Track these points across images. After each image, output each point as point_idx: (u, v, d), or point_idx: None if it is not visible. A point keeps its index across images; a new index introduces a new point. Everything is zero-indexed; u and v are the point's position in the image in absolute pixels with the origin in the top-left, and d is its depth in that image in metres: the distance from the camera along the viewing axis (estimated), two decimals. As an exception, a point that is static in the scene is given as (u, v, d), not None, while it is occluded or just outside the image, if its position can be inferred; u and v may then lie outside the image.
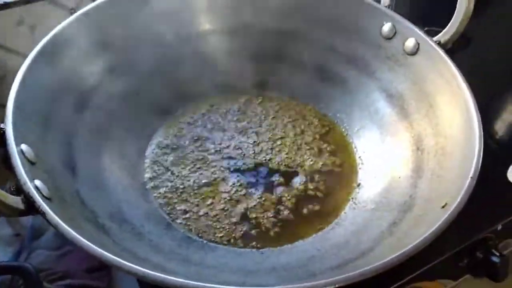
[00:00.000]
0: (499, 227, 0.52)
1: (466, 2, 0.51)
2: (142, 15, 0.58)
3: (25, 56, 0.46)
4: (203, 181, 0.54)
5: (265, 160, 0.57)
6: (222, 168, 0.55)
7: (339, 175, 0.56)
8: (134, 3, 0.57)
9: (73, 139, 0.49)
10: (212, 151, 0.57)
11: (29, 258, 0.54)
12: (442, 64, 0.51)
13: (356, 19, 0.58)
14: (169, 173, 0.54)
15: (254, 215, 0.51)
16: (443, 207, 0.40)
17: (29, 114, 0.44)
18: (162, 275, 0.32)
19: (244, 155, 0.57)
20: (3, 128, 0.40)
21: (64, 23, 0.51)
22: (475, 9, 0.52)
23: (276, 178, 0.55)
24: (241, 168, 0.56)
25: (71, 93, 0.51)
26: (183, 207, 0.51)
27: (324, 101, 0.62)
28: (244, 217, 0.51)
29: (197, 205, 0.52)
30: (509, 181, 0.55)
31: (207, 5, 0.61)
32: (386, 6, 0.57)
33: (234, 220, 0.50)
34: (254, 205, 0.52)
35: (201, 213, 0.51)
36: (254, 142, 0.58)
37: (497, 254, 0.51)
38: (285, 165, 0.56)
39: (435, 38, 0.53)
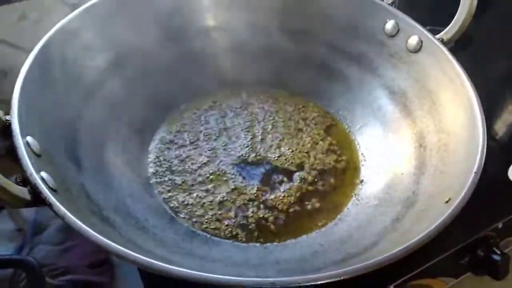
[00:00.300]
0: (500, 226, 0.52)
1: (469, 0, 0.51)
2: (145, 10, 0.58)
3: (28, 51, 0.46)
4: (206, 176, 0.54)
5: (268, 156, 0.57)
6: (225, 164, 0.55)
7: (342, 171, 0.56)
8: (138, -1, 0.57)
9: (77, 133, 0.49)
10: (215, 146, 0.57)
11: (31, 253, 0.54)
12: (445, 62, 0.51)
13: (359, 17, 0.59)
14: (172, 168, 0.55)
15: (257, 211, 0.51)
16: (446, 202, 0.40)
17: (34, 108, 0.44)
18: (167, 265, 0.32)
19: (247, 151, 0.57)
20: (9, 120, 0.40)
21: (67, 18, 0.51)
22: (477, 8, 0.52)
23: (279, 174, 0.55)
24: (244, 164, 0.56)
25: (75, 87, 0.51)
26: (186, 201, 0.51)
27: (327, 98, 0.62)
28: (248, 212, 0.51)
29: (201, 200, 0.52)
30: (509, 180, 0.55)
31: (211, 2, 0.61)
32: (389, 4, 0.57)
33: (238, 215, 0.51)
34: (258, 201, 0.52)
35: (205, 207, 0.51)
36: (257, 138, 0.58)
37: (498, 252, 0.51)
38: (288, 161, 0.56)
39: (437, 36, 0.53)
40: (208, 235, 0.49)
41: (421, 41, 0.54)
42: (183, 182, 0.53)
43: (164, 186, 0.53)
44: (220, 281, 0.32)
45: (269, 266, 0.45)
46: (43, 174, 0.38)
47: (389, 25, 0.56)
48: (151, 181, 0.53)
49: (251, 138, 0.58)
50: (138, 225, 0.46)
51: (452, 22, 0.53)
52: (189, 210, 0.51)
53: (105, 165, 0.50)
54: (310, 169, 0.55)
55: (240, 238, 0.49)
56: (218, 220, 0.50)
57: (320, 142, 0.58)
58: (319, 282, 0.33)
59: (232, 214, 0.51)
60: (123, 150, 0.53)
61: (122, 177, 0.51)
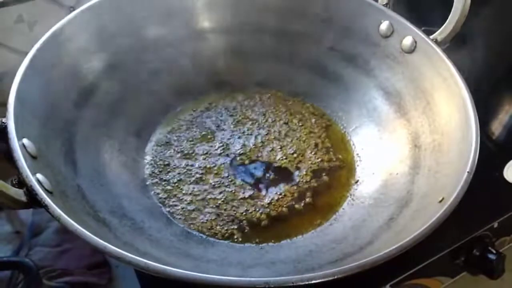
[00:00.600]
0: (496, 225, 0.52)
1: (463, 0, 0.52)
2: (141, 13, 0.58)
3: (24, 54, 0.47)
4: (203, 178, 0.54)
5: (264, 156, 0.57)
6: (221, 165, 0.56)
7: (337, 171, 0.56)
8: (133, 1, 0.57)
9: (73, 135, 0.49)
10: (211, 148, 0.57)
11: (29, 255, 0.54)
12: (440, 62, 0.51)
13: (354, 18, 0.59)
14: (168, 169, 0.55)
15: (253, 211, 0.51)
16: (440, 201, 0.41)
17: (30, 110, 0.44)
18: (163, 266, 0.33)
19: (242, 152, 0.57)
20: (5, 123, 0.40)
21: (63, 21, 0.51)
22: (471, 8, 0.52)
23: (275, 174, 0.55)
24: (240, 165, 0.56)
25: (71, 90, 0.51)
26: (182, 203, 0.52)
27: (322, 99, 0.63)
28: (244, 213, 0.51)
29: (197, 201, 0.52)
30: (505, 180, 0.56)
31: (206, 3, 0.61)
32: (383, 5, 0.57)
33: (233, 215, 0.51)
34: (253, 201, 0.52)
35: (200, 209, 0.51)
36: (253, 139, 0.59)
37: (494, 251, 0.51)
38: (284, 161, 0.57)
39: (432, 37, 0.53)
40: (204, 236, 0.49)
41: (415, 42, 0.54)
42: (179, 183, 0.53)
43: (160, 188, 0.53)
44: (215, 281, 0.32)
45: (265, 266, 0.45)
46: (39, 176, 0.38)
47: (384, 26, 0.56)
48: (147, 183, 0.53)
49: (247, 139, 0.59)
50: (134, 227, 0.46)
51: (446, 22, 0.53)
52: (185, 211, 0.51)
53: (101, 167, 0.50)
54: (305, 170, 0.56)
55: (235, 239, 0.49)
56: (214, 220, 0.50)
57: (316, 143, 0.58)
58: (313, 282, 0.33)
59: (228, 214, 0.51)
60: (119, 152, 0.53)
61: (118, 179, 0.51)
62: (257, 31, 0.63)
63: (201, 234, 0.49)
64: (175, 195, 0.52)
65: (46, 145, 0.43)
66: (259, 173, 0.55)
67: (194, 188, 0.53)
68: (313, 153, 0.57)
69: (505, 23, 0.72)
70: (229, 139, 0.59)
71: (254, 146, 0.58)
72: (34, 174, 0.37)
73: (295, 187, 0.54)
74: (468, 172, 0.41)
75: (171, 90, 0.61)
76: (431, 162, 0.49)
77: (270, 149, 0.58)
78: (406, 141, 0.54)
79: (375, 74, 0.58)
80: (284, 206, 0.52)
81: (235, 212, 0.51)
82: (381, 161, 0.55)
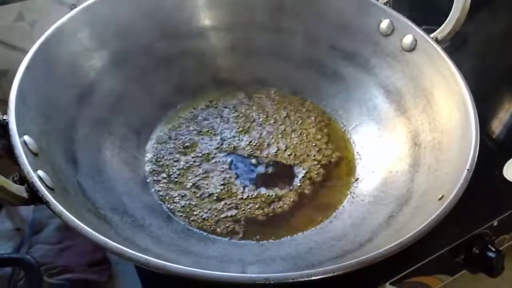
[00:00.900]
0: (495, 223, 0.52)
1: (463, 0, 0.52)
2: (142, 10, 0.58)
3: (25, 52, 0.47)
4: (203, 175, 0.54)
5: (264, 154, 0.57)
6: (221, 163, 0.56)
7: (338, 169, 0.56)
8: (135, -1, 0.57)
9: (74, 132, 0.49)
10: (212, 145, 0.58)
11: (30, 252, 0.54)
12: (440, 61, 0.51)
13: (354, 16, 0.59)
14: (169, 167, 0.55)
15: (253, 208, 0.51)
16: (440, 199, 0.41)
17: (31, 107, 0.44)
18: (163, 262, 0.33)
19: (243, 149, 0.57)
20: (6, 120, 0.40)
21: (64, 18, 0.51)
22: (471, 7, 0.53)
23: (275, 172, 0.55)
24: (241, 162, 0.56)
25: (72, 87, 0.51)
26: (183, 200, 0.52)
27: (322, 97, 0.63)
28: (244, 210, 0.51)
29: (197, 198, 0.52)
30: (505, 178, 0.56)
31: (207, 1, 0.61)
32: (384, 3, 0.57)
33: (234, 212, 0.51)
34: (254, 199, 0.52)
35: (201, 206, 0.51)
36: (253, 137, 0.59)
37: (493, 249, 0.51)
38: (284, 159, 0.57)
39: (432, 35, 0.53)
40: (205, 233, 0.49)
41: (416, 40, 0.54)
42: (180, 180, 0.54)
43: (161, 185, 0.53)
44: (215, 277, 0.32)
45: (265, 263, 0.45)
46: (40, 172, 0.38)
47: (384, 24, 0.57)
48: (148, 180, 0.53)
49: (248, 137, 0.59)
50: (135, 223, 0.46)
51: (446, 21, 0.53)
52: (186, 208, 0.51)
53: (102, 164, 0.50)
54: (305, 167, 0.56)
55: (236, 236, 0.49)
56: (214, 217, 0.50)
57: (316, 141, 0.59)
58: (313, 278, 0.33)
59: (228, 211, 0.51)
60: (120, 149, 0.54)
61: (119, 176, 0.51)
62: (257, 29, 0.63)
63: (201, 231, 0.49)
64: (175, 193, 0.52)
65: (47, 142, 0.43)
66: (259, 170, 0.55)
67: (194, 185, 0.53)
68: (313, 151, 0.58)
69: (505, 22, 0.72)
70: (229, 136, 0.59)
71: (254, 144, 0.58)
72: (35, 170, 0.37)
73: (295, 185, 0.54)
74: (468, 169, 0.41)
75: (172, 88, 0.61)
76: (431, 160, 0.49)
77: (271, 146, 0.58)
78: (406, 139, 0.54)
79: (375, 72, 0.59)
80: (284, 203, 0.52)
81: (235, 209, 0.51)
82: (381, 159, 0.55)
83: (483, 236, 0.52)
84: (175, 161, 0.56)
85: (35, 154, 0.40)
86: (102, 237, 0.34)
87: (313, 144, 0.58)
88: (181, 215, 0.50)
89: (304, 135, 0.59)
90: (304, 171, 0.55)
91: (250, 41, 0.63)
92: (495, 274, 0.51)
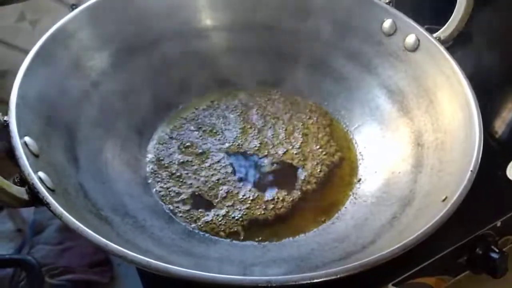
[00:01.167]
0: (499, 224, 0.52)
1: (466, -1, 0.52)
2: (143, 11, 0.58)
3: (26, 52, 0.47)
4: (205, 176, 0.54)
5: (266, 155, 0.57)
6: (223, 163, 0.56)
7: (340, 170, 0.56)
8: (135, -1, 0.57)
9: (75, 133, 0.49)
10: (213, 146, 0.57)
11: (31, 253, 0.54)
12: (443, 60, 0.51)
13: (356, 16, 0.59)
14: (170, 168, 0.55)
15: (255, 209, 0.51)
16: (443, 200, 0.41)
17: (32, 108, 0.44)
18: (164, 264, 0.33)
19: (245, 150, 0.57)
20: (7, 121, 0.40)
21: (65, 19, 0.51)
22: (475, 6, 0.52)
23: (277, 172, 0.55)
24: (242, 163, 0.56)
25: (73, 88, 0.51)
26: (184, 201, 0.52)
27: (324, 97, 0.62)
28: (246, 211, 0.51)
29: (199, 199, 0.52)
30: (508, 179, 0.56)
31: (208, 2, 0.61)
32: (386, 3, 0.57)
33: (235, 214, 0.51)
34: (256, 200, 0.52)
35: (202, 207, 0.51)
36: (255, 137, 0.59)
37: (497, 250, 0.51)
38: (285, 160, 0.56)
39: (435, 35, 0.53)
40: (206, 234, 0.49)
41: (419, 40, 0.54)
42: (181, 181, 0.53)
43: (162, 186, 0.53)
44: (216, 279, 0.32)
45: (267, 264, 0.45)
46: (41, 174, 0.38)
47: (387, 24, 0.56)
48: (149, 181, 0.53)
49: (249, 138, 0.59)
50: (136, 225, 0.46)
51: (449, 20, 0.53)
52: (187, 209, 0.51)
53: (103, 165, 0.50)
54: (307, 168, 0.56)
55: (238, 237, 0.49)
56: (216, 219, 0.50)
57: (318, 141, 0.58)
58: (315, 281, 0.33)
59: (230, 212, 0.51)
60: (122, 150, 0.53)
61: (121, 177, 0.51)
62: (259, 29, 0.63)
63: (203, 233, 0.49)
64: (176, 194, 0.52)
65: (48, 143, 0.43)
66: (261, 171, 0.55)
67: (196, 186, 0.53)
68: (315, 151, 0.57)
69: (509, 21, 0.72)
70: (231, 137, 0.59)
71: (256, 144, 0.58)
72: (36, 172, 0.37)
73: (297, 185, 0.54)
74: (471, 171, 0.41)
75: (173, 88, 0.61)
76: (434, 161, 0.49)
77: (273, 147, 0.58)
78: (409, 140, 0.54)
79: (378, 72, 0.58)
80: (287, 204, 0.52)
81: (237, 210, 0.51)
82: (383, 159, 0.55)
83: (487, 237, 0.52)
84: (177, 161, 0.55)
85: (36, 155, 0.40)
86: (103, 239, 0.34)
87: (315, 145, 0.58)
88: (182, 216, 0.50)
89: (306, 135, 0.59)
90: (306, 172, 0.55)
91: (252, 41, 0.63)
92: (498, 275, 0.51)
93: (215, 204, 0.52)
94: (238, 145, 0.58)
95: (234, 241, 0.49)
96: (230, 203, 0.52)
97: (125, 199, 0.48)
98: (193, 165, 0.55)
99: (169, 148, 0.57)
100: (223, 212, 0.51)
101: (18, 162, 0.37)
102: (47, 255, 0.53)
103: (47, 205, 0.35)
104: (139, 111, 0.57)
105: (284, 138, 0.59)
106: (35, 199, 0.36)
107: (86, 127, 0.51)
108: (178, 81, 0.61)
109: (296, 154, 0.57)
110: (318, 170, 0.55)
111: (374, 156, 0.56)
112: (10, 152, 0.38)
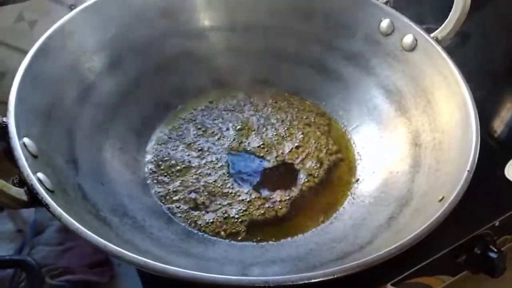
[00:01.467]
0: (497, 224, 0.52)
1: (463, -1, 0.52)
2: (142, 11, 0.58)
3: (25, 53, 0.47)
4: (204, 176, 0.54)
5: (264, 155, 0.57)
6: (222, 163, 0.56)
7: (338, 170, 0.56)
8: (134, 0, 0.57)
9: (74, 134, 0.49)
10: (212, 146, 0.57)
11: (31, 253, 0.54)
12: (440, 60, 0.51)
13: (354, 16, 0.59)
14: (169, 168, 0.55)
15: (254, 210, 0.51)
16: (440, 200, 0.41)
17: (31, 109, 0.44)
18: (162, 265, 0.33)
19: (243, 150, 0.57)
20: (6, 122, 0.40)
21: (63, 19, 0.51)
22: (472, 6, 0.52)
23: (276, 173, 0.55)
24: (241, 163, 0.56)
25: (72, 89, 0.51)
26: (183, 201, 0.52)
27: (322, 97, 0.63)
28: (244, 211, 0.51)
29: (198, 200, 0.52)
30: (507, 178, 0.56)
31: (206, 2, 0.61)
32: (384, 3, 0.57)
33: (234, 214, 0.51)
34: (254, 200, 0.52)
35: (201, 207, 0.51)
36: (253, 137, 0.59)
37: (495, 250, 0.51)
38: (283, 160, 0.57)
39: (432, 35, 0.53)
40: (205, 235, 0.49)
41: (416, 40, 0.54)
42: (180, 182, 0.53)
43: (161, 186, 0.53)
44: (215, 280, 0.33)
45: (265, 265, 0.45)
46: (40, 175, 0.38)
47: (384, 24, 0.56)
48: (148, 181, 0.53)
49: (248, 138, 0.59)
50: (135, 225, 0.46)
51: (446, 20, 0.53)
52: (186, 210, 0.51)
53: (102, 166, 0.50)
54: (306, 168, 0.56)
55: (236, 237, 0.49)
56: (214, 219, 0.50)
57: (316, 141, 0.59)
58: (313, 281, 0.33)
59: (228, 213, 0.51)
60: (121, 151, 0.54)
61: (120, 178, 0.51)
62: (257, 30, 0.63)
63: (202, 233, 0.49)
64: (175, 194, 0.52)
65: (47, 144, 0.43)
66: (260, 171, 0.55)
67: (195, 186, 0.53)
68: (313, 151, 0.57)
69: (506, 20, 0.72)
70: (229, 137, 0.59)
71: (254, 145, 0.58)
72: (35, 173, 0.37)
73: (295, 186, 0.54)
74: (468, 171, 0.41)
75: (172, 89, 0.61)
76: (432, 161, 0.49)
77: (271, 147, 0.58)
78: (407, 140, 0.54)
79: (376, 72, 0.58)
80: (285, 204, 0.52)
81: (236, 210, 0.51)
82: (381, 159, 0.55)
83: (485, 237, 0.52)
84: (175, 162, 0.56)
85: (35, 156, 0.40)
86: (102, 240, 0.34)
87: (314, 145, 0.58)
88: (181, 216, 0.50)
89: (304, 135, 0.59)
90: (304, 172, 0.55)
91: (250, 42, 0.63)
92: (496, 275, 0.51)
93: (213, 204, 0.52)
94: (236, 145, 0.58)
95: (232, 242, 0.49)
96: (228, 203, 0.52)
97: (124, 200, 0.49)
98: (192, 166, 0.55)
99: (168, 149, 0.57)
100: (221, 212, 0.51)
101: (17, 163, 0.37)
102: (47, 256, 0.53)
103: (46, 206, 0.35)
104: (138, 112, 0.57)
105: (282, 138, 0.59)
106: (34, 200, 0.36)
107: (85, 128, 0.51)
108: (177, 81, 0.61)
109: (294, 154, 0.57)
110: (316, 170, 0.56)
111: (372, 156, 0.56)
112: (9, 153, 0.38)
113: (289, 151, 0.57)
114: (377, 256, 0.35)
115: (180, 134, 0.59)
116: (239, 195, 0.53)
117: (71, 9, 0.54)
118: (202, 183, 0.54)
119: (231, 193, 0.53)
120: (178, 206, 0.51)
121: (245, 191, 0.53)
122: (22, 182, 0.37)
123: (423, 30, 0.54)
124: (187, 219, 0.50)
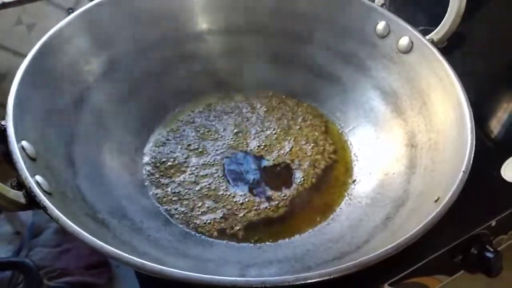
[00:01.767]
0: (493, 224, 0.52)
1: (458, 0, 0.52)
2: (140, 14, 0.58)
3: (23, 56, 0.47)
4: (201, 178, 0.54)
5: (262, 156, 0.57)
6: (219, 165, 0.56)
7: (335, 171, 0.56)
8: (132, 3, 0.57)
9: (72, 136, 0.49)
10: (210, 148, 0.58)
11: (29, 255, 0.54)
12: (435, 62, 0.51)
13: (350, 18, 0.59)
14: (167, 170, 0.55)
15: (251, 211, 0.52)
16: (435, 201, 0.41)
17: (29, 112, 0.44)
18: (159, 266, 0.33)
19: (240, 152, 0.58)
20: (4, 125, 0.40)
21: (62, 23, 0.51)
22: (468, 7, 0.53)
23: (272, 174, 0.56)
24: (238, 165, 0.56)
25: (70, 91, 0.51)
26: (181, 203, 0.52)
27: (319, 99, 0.63)
28: (242, 212, 0.51)
29: (195, 201, 0.52)
30: (503, 178, 0.56)
31: (204, 5, 0.62)
32: (380, 5, 0.57)
33: (231, 215, 0.51)
34: (251, 201, 0.52)
35: (199, 208, 0.52)
36: (251, 139, 0.59)
37: (491, 250, 0.51)
38: (281, 162, 0.57)
39: (428, 37, 0.53)
40: (203, 236, 0.49)
41: (412, 42, 0.54)
42: (178, 184, 0.54)
43: (159, 188, 0.53)
44: (212, 281, 0.33)
45: (262, 266, 0.46)
46: (38, 178, 0.38)
47: (380, 26, 0.57)
48: (146, 183, 0.54)
49: (245, 139, 0.59)
50: (133, 227, 0.46)
51: (442, 22, 0.53)
52: (184, 211, 0.51)
53: (100, 168, 0.50)
54: (303, 170, 0.56)
55: (234, 238, 0.49)
56: (212, 220, 0.51)
57: (313, 143, 0.59)
58: (309, 281, 0.33)
59: (226, 214, 0.51)
60: (118, 153, 0.54)
61: (118, 179, 0.51)
62: (254, 32, 0.63)
63: (199, 234, 0.49)
64: (173, 195, 0.53)
65: (45, 147, 0.44)
66: (257, 172, 0.56)
67: (192, 188, 0.53)
68: (310, 153, 0.58)
69: (502, 22, 0.72)
70: (227, 139, 0.59)
71: (252, 146, 0.58)
72: (33, 176, 0.37)
73: (292, 187, 0.54)
74: (463, 171, 0.41)
75: (170, 91, 0.61)
76: (427, 161, 0.49)
77: (268, 149, 0.58)
78: (403, 141, 0.54)
79: (372, 74, 0.59)
80: (282, 205, 0.52)
81: (233, 211, 0.51)
82: (378, 160, 0.55)
83: (481, 237, 0.52)
84: (173, 164, 0.56)
85: (33, 159, 0.40)
86: (99, 242, 0.34)
87: (310, 147, 0.58)
88: (178, 218, 0.51)
89: (301, 137, 0.59)
90: (301, 173, 0.55)
91: (248, 44, 0.63)
92: (493, 274, 0.51)
93: (211, 206, 0.52)
94: (234, 147, 0.58)
95: (230, 243, 0.49)
96: (226, 205, 0.52)
97: (122, 201, 0.49)
98: (190, 168, 0.55)
99: (166, 151, 0.57)
100: (219, 213, 0.51)
101: (15, 166, 0.38)
102: (45, 258, 0.53)
103: (44, 208, 0.36)
104: (136, 114, 0.57)
105: (280, 140, 0.59)
106: (32, 202, 0.36)
107: (83, 131, 0.51)
108: (175, 84, 0.61)
109: (291, 156, 0.57)
110: (313, 172, 0.56)
111: (369, 157, 0.56)
112: (7, 156, 0.39)
113: (286, 153, 0.58)
114: (373, 256, 0.35)
115: (178, 136, 0.59)
116: (236, 197, 0.53)
117: (69, 13, 0.54)
118: (199, 185, 0.54)
119: (228, 194, 0.53)
120: (175, 207, 0.52)
121: (242, 192, 0.53)
122: (20, 184, 0.37)
123: (419, 32, 0.54)
124: (185, 221, 0.50)
